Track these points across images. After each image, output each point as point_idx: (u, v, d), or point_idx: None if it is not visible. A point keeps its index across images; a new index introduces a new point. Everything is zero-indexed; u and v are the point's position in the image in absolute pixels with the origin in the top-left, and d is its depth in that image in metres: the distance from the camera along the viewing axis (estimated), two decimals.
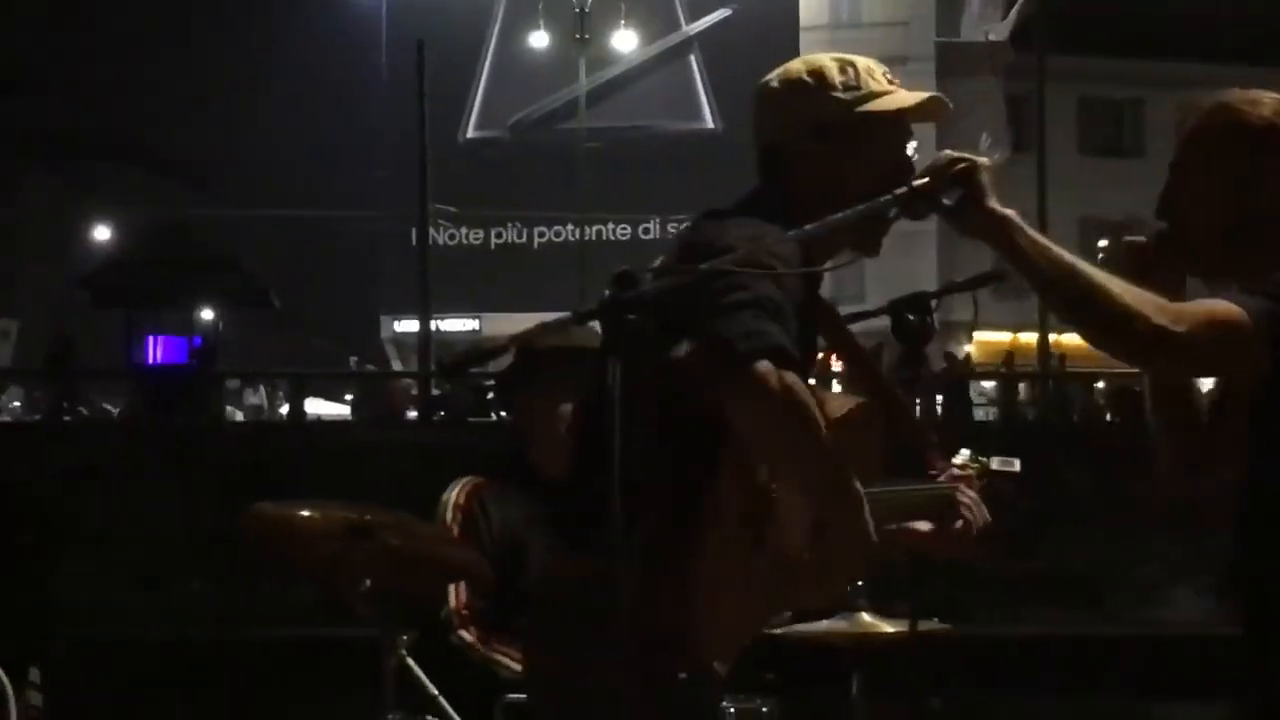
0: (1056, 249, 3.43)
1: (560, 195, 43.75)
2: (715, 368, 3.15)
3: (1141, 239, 3.62)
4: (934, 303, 3.95)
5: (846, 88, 3.59)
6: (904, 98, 3.63)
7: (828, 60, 3.65)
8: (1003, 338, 45.06)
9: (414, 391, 32.22)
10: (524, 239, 46.58)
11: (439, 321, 40.09)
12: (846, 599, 4.46)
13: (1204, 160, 3.60)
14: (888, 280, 40.60)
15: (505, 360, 4.71)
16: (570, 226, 44.95)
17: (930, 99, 3.66)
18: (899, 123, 3.63)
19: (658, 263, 3.49)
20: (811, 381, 3.44)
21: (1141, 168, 48.93)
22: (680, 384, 3.22)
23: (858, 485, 3.24)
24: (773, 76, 3.68)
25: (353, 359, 40.62)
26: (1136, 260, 3.57)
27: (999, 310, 45.76)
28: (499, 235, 46.74)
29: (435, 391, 30.93)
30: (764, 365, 3.12)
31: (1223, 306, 3.36)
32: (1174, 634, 23.09)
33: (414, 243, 37.65)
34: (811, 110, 3.58)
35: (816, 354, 3.65)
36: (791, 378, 3.14)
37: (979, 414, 34.43)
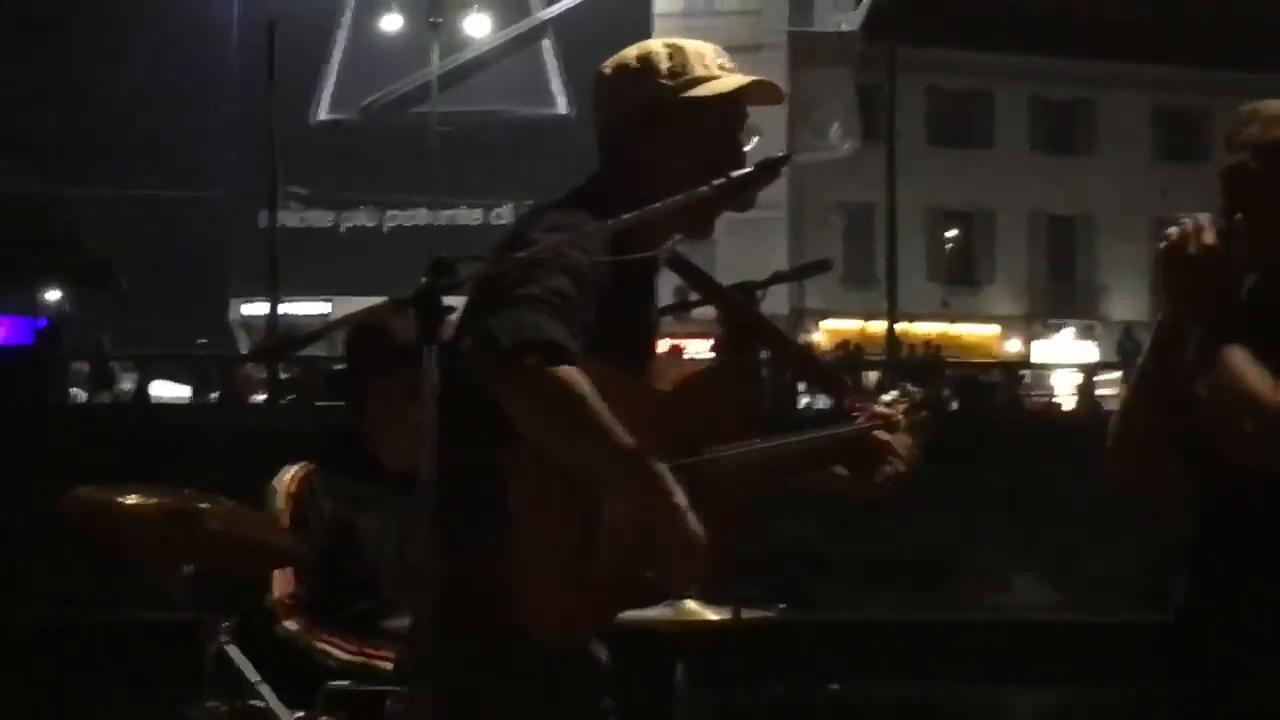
0: None
1: (412, 179, 43.62)
2: (487, 363, 3.17)
3: (1208, 223, 3.65)
4: (760, 292, 3.96)
5: (672, 73, 3.61)
6: (726, 82, 3.63)
7: (658, 46, 3.68)
8: (852, 325, 45.41)
9: (263, 375, 31.96)
10: (375, 222, 46.33)
11: (288, 304, 39.82)
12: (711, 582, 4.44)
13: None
14: (738, 266, 40.78)
15: (320, 344, 4.69)
16: (422, 210, 44.83)
17: (755, 82, 3.65)
18: (728, 108, 3.63)
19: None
20: (692, 354, 3.44)
21: (988, 158, 49.56)
22: (469, 375, 3.22)
23: (655, 465, 3.22)
24: (609, 63, 3.71)
25: (200, 341, 40.23)
26: (1200, 252, 3.61)
27: (847, 299, 46.23)
28: (349, 219, 46.48)
29: (284, 375, 30.71)
30: (531, 361, 3.12)
31: None
32: (1014, 619, 23.41)
33: (263, 225, 37.38)
34: (638, 95, 3.61)
35: (651, 337, 3.65)
36: (564, 372, 3.13)
37: (825, 401, 34.60)
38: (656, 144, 3.59)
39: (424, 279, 2.98)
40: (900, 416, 3.81)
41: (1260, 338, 3.58)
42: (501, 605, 3.27)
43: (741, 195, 3.43)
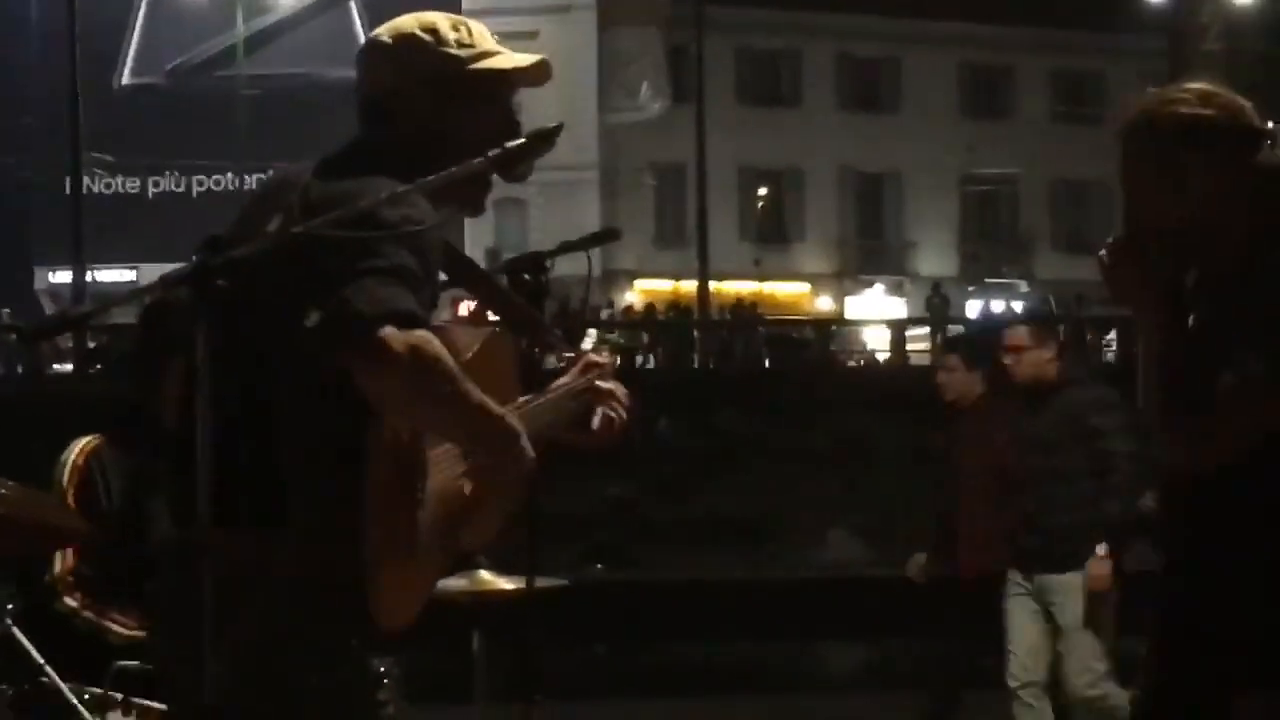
0: None
1: (219, 143, 43.20)
2: (340, 337, 3.14)
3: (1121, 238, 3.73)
4: (549, 262, 3.98)
5: (460, 44, 3.64)
6: (516, 58, 3.69)
7: (440, 18, 3.70)
8: (665, 285, 45.61)
9: (69, 344, 31.47)
10: (183, 187, 45.78)
11: (96, 272, 39.32)
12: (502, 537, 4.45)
13: (1134, 168, 3.72)
14: (550, 229, 40.92)
15: (128, 311, 4.63)
16: (230, 175, 44.39)
17: (540, 62, 3.72)
18: (507, 83, 3.69)
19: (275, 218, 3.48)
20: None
21: (798, 117, 49.93)
22: (315, 349, 3.20)
23: (509, 418, 3.31)
24: (382, 31, 3.72)
25: (4, 311, 39.54)
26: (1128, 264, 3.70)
27: (660, 259, 46.40)
28: (156, 184, 45.90)
29: (91, 344, 30.29)
30: (387, 331, 3.11)
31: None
32: (833, 575, 23.65)
33: (68, 192, 36.85)
34: (424, 64, 3.62)
35: (434, 305, 3.65)
36: (419, 337, 3.14)
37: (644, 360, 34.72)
38: (438, 112, 3.60)
39: (195, 257, 2.95)
40: (612, 364, 3.90)
41: (1204, 333, 3.66)
42: (355, 589, 3.25)
43: (517, 166, 3.47)
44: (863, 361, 38.19)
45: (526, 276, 3.86)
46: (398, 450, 3.28)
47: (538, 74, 3.72)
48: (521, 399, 3.62)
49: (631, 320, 38.97)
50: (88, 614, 4.73)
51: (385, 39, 3.69)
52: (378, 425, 3.24)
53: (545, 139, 3.45)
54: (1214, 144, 3.66)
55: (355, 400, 3.19)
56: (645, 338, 30.89)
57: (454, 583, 4.46)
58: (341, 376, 3.18)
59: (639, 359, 33.36)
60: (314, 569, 3.26)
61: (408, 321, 3.14)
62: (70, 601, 4.74)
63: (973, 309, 46.75)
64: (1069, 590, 8.37)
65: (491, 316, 3.85)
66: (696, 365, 33.21)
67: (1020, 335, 8.54)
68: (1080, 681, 8.38)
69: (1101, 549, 8.22)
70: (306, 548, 3.26)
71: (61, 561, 4.76)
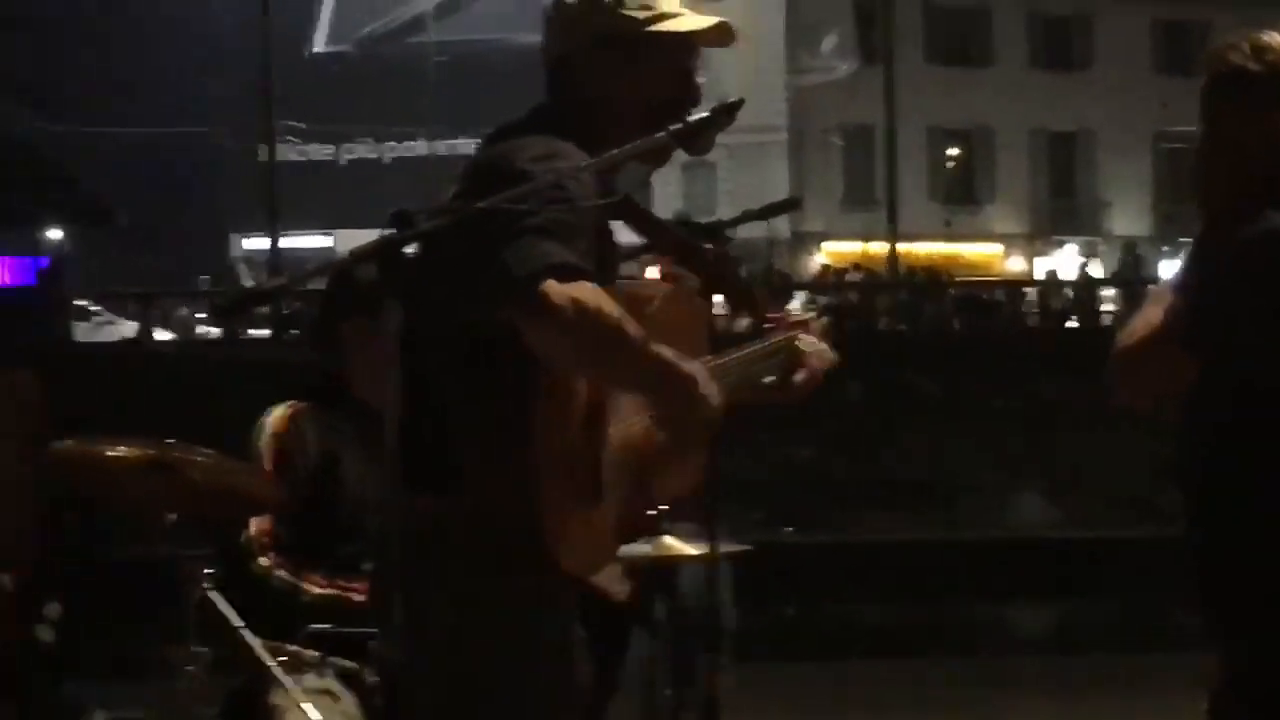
0: None
1: (410, 110, 43.63)
2: (502, 296, 3.19)
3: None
4: (729, 231, 4.00)
5: (641, 5, 3.62)
6: (693, 21, 3.66)
7: None
8: (853, 247, 45.38)
9: (266, 310, 31.89)
10: (375, 154, 46.40)
11: (289, 238, 39.89)
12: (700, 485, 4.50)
13: (1205, 113, 3.68)
14: (739, 191, 40.83)
15: (321, 279, 4.73)
16: (421, 141, 44.84)
17: (719, 24, 3.68)
18: (686, 45, 3.67)
19: (452, 188, 3.53)
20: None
21: (987, 76, 49.36)
22: (478, 313, 3.26)
23: (686, 364, 3.33)
24: None
25: (203, 278, 40.26)
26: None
27: (848, 221, 46.16)
28: (349, 151, 46.53)
29: (286, 310, 30.71)
30: (546, 285, 3.14)
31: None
32: (1018, 536, 23.47)
33: (263, 159, 37.43)
34: (601, 24, 3.61)
35: (614, 269, 3.66)
36: (579, 288, 3.17)
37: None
38: (619, 77, 3.60)
39: (383, 231, 3.02)
40: (814, 322, 3.94)
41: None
42: (532, 540, 3.29)
43: (698, 139, 3.46)
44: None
45: (708, 246, 3.88)
46: (576, 396, 3.32)
47: (718, 36, 3.68)
48: (707, 358, 3.60)
49: (824, 281, 38.81)
50: (281, 573, 4.82)
51: (567, 1, 3.68)
52: (546, 379, 3.28)
53: (727, 113, 3.43)
54: (1245, 96, 3.58)
55: (518, 360, 3.23)
56: (853, 297, 30.83)
57: (638, 548, 4.51)
58: (502, 340, 3.22)
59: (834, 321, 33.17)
60: (489, 530, 3.31)
61: (567, 273, 3.17)
62: (264, 561, 4.83)
63: (1167, 269, 46.04)
64: None
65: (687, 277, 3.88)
66: (882, 326, 33.03)
67: None
68: None
69: None
70: (481, 510, 3.31)
71: (256, 524, 4.85)
